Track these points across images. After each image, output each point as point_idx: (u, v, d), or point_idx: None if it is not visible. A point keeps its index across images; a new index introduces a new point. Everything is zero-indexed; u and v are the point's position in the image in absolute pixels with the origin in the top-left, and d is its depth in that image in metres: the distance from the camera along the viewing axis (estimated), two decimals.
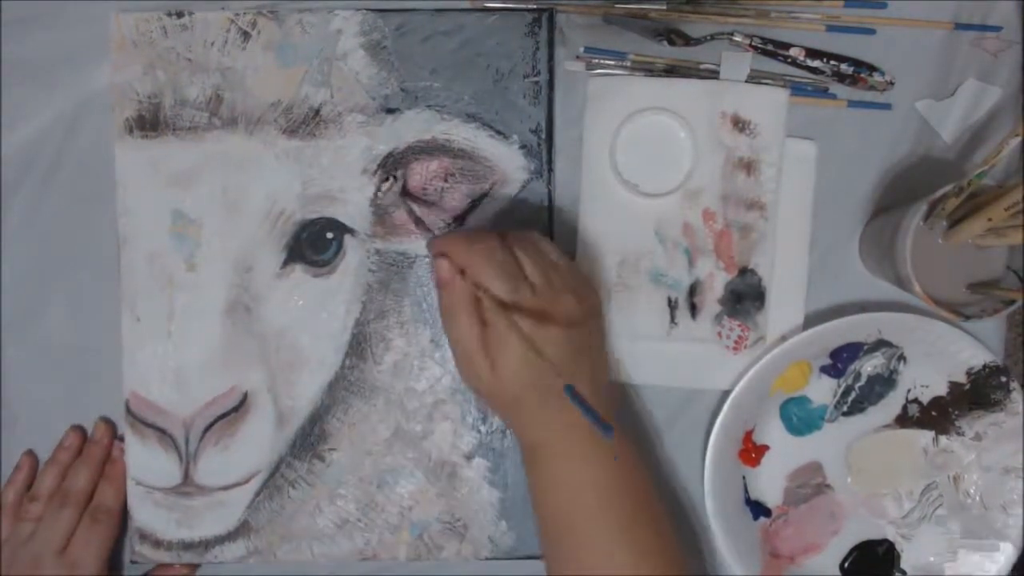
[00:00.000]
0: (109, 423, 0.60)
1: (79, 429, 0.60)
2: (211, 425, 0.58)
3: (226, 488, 0.58)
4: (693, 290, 0.59)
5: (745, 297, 0.58)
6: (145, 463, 0.58)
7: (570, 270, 0.52)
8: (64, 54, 0.59)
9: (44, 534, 0.56)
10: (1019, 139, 0.47)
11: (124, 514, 0.59)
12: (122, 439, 0.59)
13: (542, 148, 0.58)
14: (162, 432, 0.58)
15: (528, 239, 0.52)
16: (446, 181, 0.58)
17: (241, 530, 0.58)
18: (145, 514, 0.58)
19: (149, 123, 0.58)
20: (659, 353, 0.59)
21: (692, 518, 0.59)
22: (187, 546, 0.59)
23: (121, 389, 0.58)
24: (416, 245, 0.58)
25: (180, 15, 0.57)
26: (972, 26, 0.58)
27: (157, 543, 0.58)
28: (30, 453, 0.60)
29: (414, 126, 0.58)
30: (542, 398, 0.49)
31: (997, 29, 0.58)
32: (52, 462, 0.59)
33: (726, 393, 0.58)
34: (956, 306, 0.52)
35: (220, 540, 0.59)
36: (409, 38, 0.58)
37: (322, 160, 0.58)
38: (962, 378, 0.59)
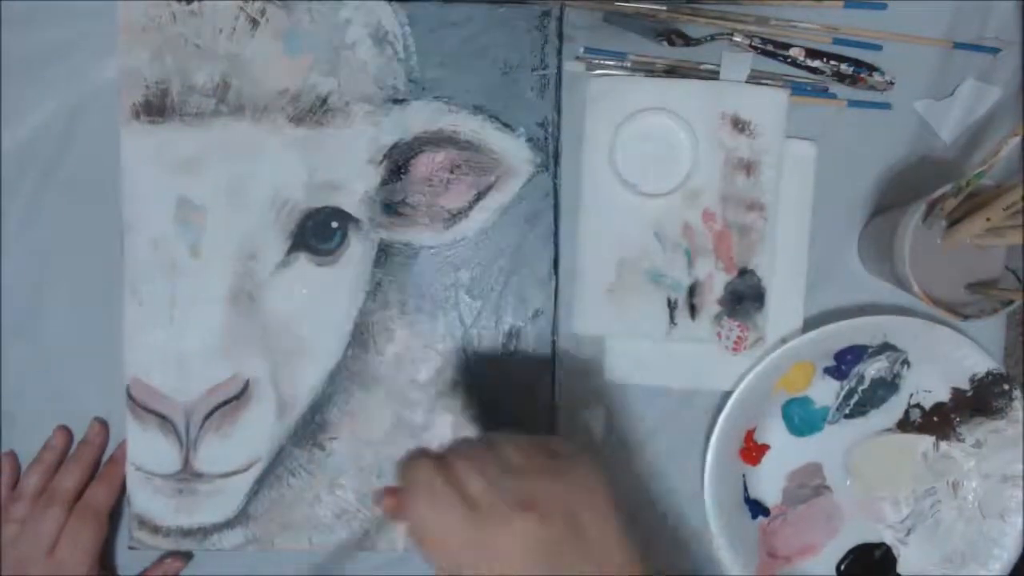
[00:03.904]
0: (103, 424, 0.59)
1: (65, 429, 0.59)
2: (212, 412, 0.58)
3: (226, 476, 0.58)
4: (693, 290, 0.58)
5: (745, 297, 0.58)
6: (145, 449, 0.58)
7: (530, 469, 0.42)
8: (67, 47, 0.58)
9: (31, 535, 0.55)
10: (1018, 139, 0.47)
11: (115, 516, 0.59)
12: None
13: (549, 141, 0.58)
14: (163, 418, 0.58)
15: (478, 447, 0.43)
16: (452, 172, 0.58)
17: (240, 518, 0.59)
18: (144, 500, 0.58)
19: (156, 108, 0.58)
20: (659, 353, 0.59)
21: (690, 518, 0.59)
22: (186, 533, 0.59)
23: (123, 377, 0.58)
24: (421, 236, 0.58)
25: (190, 1, 0.57)
26: (971, 46, 0.59)
27: (156, 529, 0.59)
28: (10, 454, 0.59)
29: (421, 117, 0.58)
30: None
31: (995, 51, 0.59)
32: (37, 462, 0.58)
33: (726, 393, 0.58)
34: (955, 306, 0.52)
35: (219, 527, 0.59)
36: (418, 28, 0.57)
37: (328, 149, 0.58)
38: (965, 384, 0.58)
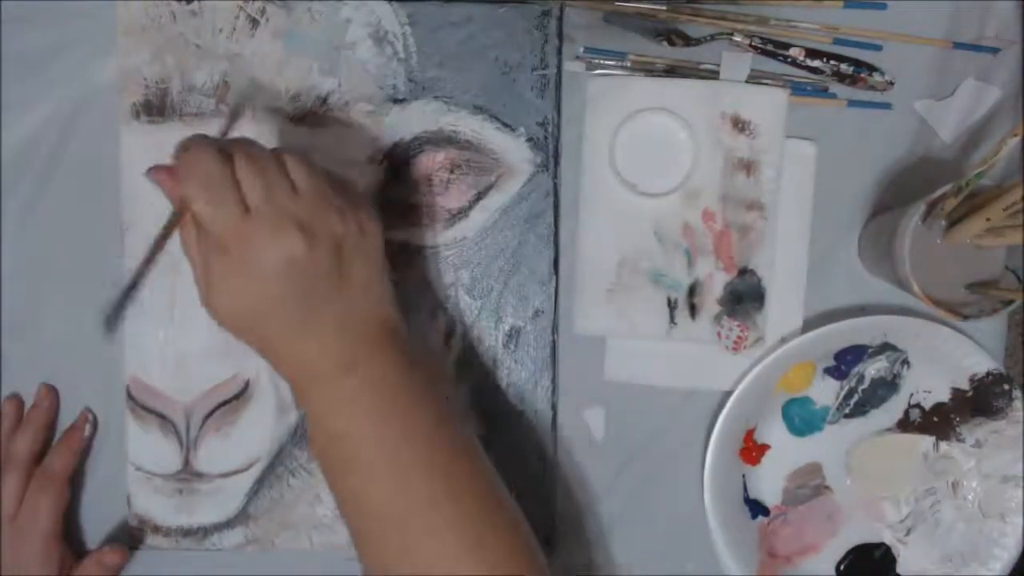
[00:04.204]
0: (51, 388, 0.59)
1: (15, 398, 0.59)
2: (212, 412, 0.58)
3: (226, 475, 0.58)
4: (692, 290, 0.58)
5: (744, 297, 0.58)
6: (145, 449, 0.58)
7: (314, 196, 0.44)
8: (67, 47, 0.58)
9: None
10: (1018, 139, 0.47)
11: (76, 485, 0.58)
12: (96, 419, 0.59)
13: (548, 141, 0.58)
14: (163, 418, 0.58)
15: (265, 156, 0.44)
16: (452, 172, 0.58)
17: (240, 518, 0.59)
18: (144, 500, 0.58)
19: (156, 108, 0.58)
20: (659, 353, 0.59)
21: (690, 519, 0.59)
22: (186, 532, 0.59)
23: (122, 377, 0.58)
24: (421, 235, 0.58)
25: (189, 0, 0.57)
26: (971, 46, 0.59)
27: (156, 529, 0.59)
28: None
29: (421, 117, 0.58)
30: (277, 336, 0.45)
31: (995, 51, 0.59)
32: None
33: (726, 393, 0.58)
34: (955, 306, 0.52)
35: (219, 527, 0.59)
36: (418, 28, 0.57)
37: (328, 149, 0.58)
38: (965, 384, 0.58)
